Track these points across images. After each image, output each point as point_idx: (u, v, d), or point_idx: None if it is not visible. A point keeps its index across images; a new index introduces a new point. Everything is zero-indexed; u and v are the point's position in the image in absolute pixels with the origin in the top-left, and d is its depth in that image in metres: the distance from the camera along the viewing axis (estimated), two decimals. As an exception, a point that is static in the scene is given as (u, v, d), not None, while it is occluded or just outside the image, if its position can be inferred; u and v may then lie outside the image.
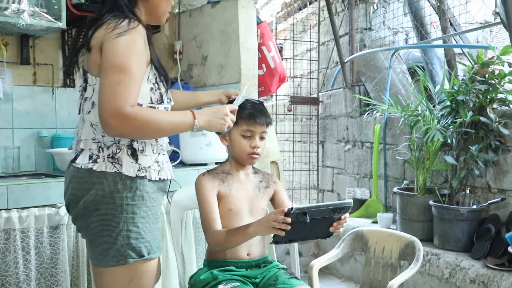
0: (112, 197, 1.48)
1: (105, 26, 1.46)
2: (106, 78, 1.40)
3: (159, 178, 1.58)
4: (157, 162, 1.58)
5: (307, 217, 1.42)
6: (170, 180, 1.67)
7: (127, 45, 1.42)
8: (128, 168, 1.49)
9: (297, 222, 1.42)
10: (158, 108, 1.54)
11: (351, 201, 1.53)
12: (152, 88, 1.53)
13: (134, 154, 1.51)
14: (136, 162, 1.51)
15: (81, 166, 1.50)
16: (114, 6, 1.52)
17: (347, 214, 1.52)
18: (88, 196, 1.49)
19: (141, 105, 1.49)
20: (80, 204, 1.52)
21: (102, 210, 1.49)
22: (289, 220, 1.40)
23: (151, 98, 1.52)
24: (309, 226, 1.44)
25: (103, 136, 1.50)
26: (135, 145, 1.51)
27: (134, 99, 1.41)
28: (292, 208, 1.40)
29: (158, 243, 1.58)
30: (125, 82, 1.39)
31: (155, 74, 1.56)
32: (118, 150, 1.50)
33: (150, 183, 1.54)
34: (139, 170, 1.51)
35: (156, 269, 1.61)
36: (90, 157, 1.49)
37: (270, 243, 1.55)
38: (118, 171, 1.48)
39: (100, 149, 1.50)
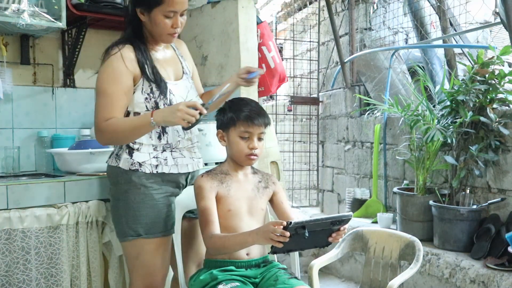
0: (115, 185, 1.86)
1: None
2: (95, 101, 1.78)
3: (157, 172, 1.82)
4: (156, 158, 1.83)
5: (306, 231, 1.43)
6: (188, 173, 1.93)
7: (104, 71, 1.77)
8: (124, 163, 1.82)
9: (296, 235, 1.42)
10: None
11: (351, 213, 1.55)
12: (146, 98, 1.80)
13: (130, 152, 1.82)
14: (131, 158, 1.81)
15: (107, 162, 1.91)
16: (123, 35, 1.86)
17: (346, 225, 1.53)
18: (108, 184, 1.93)
19: (138, 113, 1.80)
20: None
21: (111, 195, 1.89)
22: (288, 234, 1.40)
23: (146, 106, 1.80)
24: (308, 237, 1.45)
25: None
26: (131, 144, 1.81)
27: (110, 115, 1.73)
28: (291, 222, 1.40)
29: (158, 225, 1.83)
30: (102, 103, 1.75)
31: (150, 85, 1.80)
32: (121, 150, 1.84)
33: (146, 175, 1.81)
34: (132, 164, 1.80)
35: (160, 249, 1.84)
36: (110, 156, 1.91)
37: (269, 253, 1.61)
38: (117, 165, 1.83)
39: (115, 149, 1.89)
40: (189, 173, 1.95)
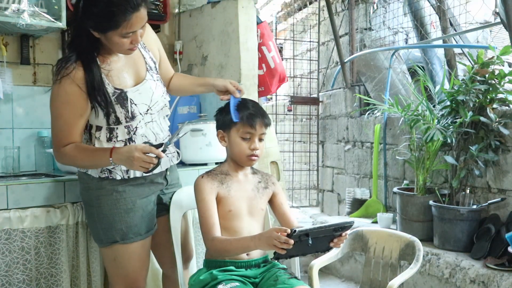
0: (87, 190, 1.81)
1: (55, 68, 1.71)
2: (51, 122, 1.72)
3: (128, 177, 1.76)
4: None
5: (309, 238, 1.45)
6: (166, 170, 1.88)
7: (57, 93, 1.66)
8: (93, 170, 1.76)
9: (299, 242, 1.44)
10: (117, 128, 1.73)
11: (353, 220, 1.60)
12: (106, 113, 1.70)
13: None
14: None
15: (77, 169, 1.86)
16: (72, 41, 1.71)
17: (347, 231, 1.56)
18: (79, 190, 1.88)
19: (100, 127, 1.74)
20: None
21: (84, 200, 1.85)
22: (292, 241, 1.41)
23: (107, 121, 1.72)
24: (311, 244, 1.47)
25: None
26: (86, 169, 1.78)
27: (67, 140, 1.68)
28: (295, 230, 1.41)
29: (134, 230, 1.79)
30: (58, 127, 1.69)
31: (108, 101, 1.69)
32: None
33: (117, 181, 1.76)
34: (101, 172, 1.75)
35: (138, 253, 1.81)
36: None
37: (271, 259, 1.64)
38: (86, 172, 1.78)
39: None
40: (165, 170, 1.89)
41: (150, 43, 1.89)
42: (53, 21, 2.29)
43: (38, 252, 2.00)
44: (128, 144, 1.74)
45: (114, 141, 1.75)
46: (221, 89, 1.87)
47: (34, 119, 2.66)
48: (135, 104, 1.75)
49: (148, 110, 1.79)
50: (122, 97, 1.72)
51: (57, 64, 1.68)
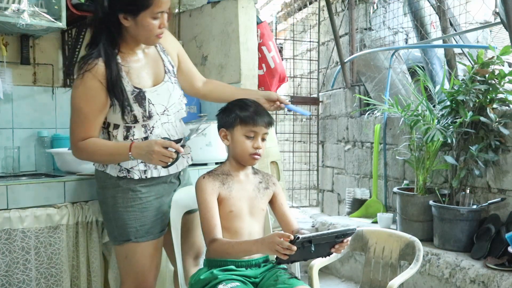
0: (103, 189, 1.84)
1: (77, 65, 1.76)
2: (70, 115, 1.75)
3: (146, 177, 1.79)
4: (144, 163, 1.78)
5: (312, 245, 1.46)
6: (179, 172, 1.91)
7: (79, 88, 1.70)
8: (112, 169, 1.79)
9: (302, 248, 1.45)
10: (134, 126, 1.76)
11: (356, 227, 1.61)
12: (124, 112, 1.73)
13: None
14: (118, 165, 1.78)
15: (94, 165, 1.88)
16: (93, 39, 1.75)
17: (349, 238, 1.57)
18: (95, 189, 1.91)
19: (117, 125, 1.76)
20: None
21: (99, 199, 1.89)
22: (294, 248, 1.42)
23: (125, 119, 1.75)
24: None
25: None
26: (104, 164, 1.80)
27: (85, 134, 1.72)
28: (298, 237, 1.42)
29: (148, 229, 1.82)
30: (77, 121, 1.73)
31: (126, 99, 1.73)
32: None
33: (134, 180, 1.78)
34: (119, 171, 1.78)
35: (150, 251, 1.83)
36: None
37: (273, 264, 1.69)
38: (104, 170, 1.81)
39: None
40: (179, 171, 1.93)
41: (169, 47, 1.94)
42: (53, 21, 2.29)
43: (38, 252, 2.00)
44: None
45: (131, 139, 1.77)
46: (273, 99, 1.97)
47: (34, 119, 2.67)
48: (153, 104, 1.78)
49: (165, 111, 1.82)
50: (140, 96, 1.75)
51: (80, 61, 1.73)
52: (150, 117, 1.77)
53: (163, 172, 1.82)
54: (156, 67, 1.85)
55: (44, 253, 2.01)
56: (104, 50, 1.71)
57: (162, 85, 1.83)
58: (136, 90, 1.75)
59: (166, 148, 1.63)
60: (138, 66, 1.79)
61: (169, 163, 1.66)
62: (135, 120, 1.76)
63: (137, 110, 1.75)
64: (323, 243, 1.52)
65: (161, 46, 1.90)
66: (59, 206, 2.05)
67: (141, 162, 1.77)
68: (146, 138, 1.78)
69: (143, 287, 1.86)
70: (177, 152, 1.65)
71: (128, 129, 1.77)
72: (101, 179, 1.84)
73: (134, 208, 1.80)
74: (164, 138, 1.75)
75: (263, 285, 1.68)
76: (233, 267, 1.68)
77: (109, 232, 1.89)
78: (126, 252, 1.83)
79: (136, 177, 1.78)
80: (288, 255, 1.44)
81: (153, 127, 1.80)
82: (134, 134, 1.78)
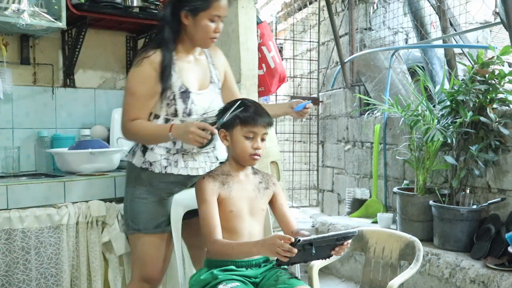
0: (127, 180, 1.97)
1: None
2: (123, 99, 1.88)
3: (165, 172, 1.89)
4: (167, 159, 1.90)
5: (313, 248, 1.47)
6: (195, 176, 1.95)
7: (136, 72, 1.85)
8: (137, 160, 1.92)
9: (302, 250, 1.46)
10: (173, 120, 1.87)
11: (356, 230, 1.61)
12: (168, 104, 1.86)
13: (144, 150, 1.91)
14: (143, 156, 1.90)
15: (126, 157, 2.03)
16: (155, 39, 1.93)
17: (350, 240, 1.58)
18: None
19: (158, 116, 1.88)
20: None
21: (125, 189, 1.98)
22: (295, 251, 1.42)
23: (166, 111, 1.87)
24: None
25: None
26: (146, 144, 1.91)
27: (135, 115, 1.84)
28: (299, 240, 1.42)
29: (157, 222, 1.90)
30: (129, 103, 1.85)
31: (173, 92, 1.86)
32: (137, 147, 1.94)
33: (154, 174, 1.89)
34: (143, 162, 1.90)
35: (157, 244, 1.91)
36: (129, 151, 2.00)
37: (274, 266, 1.71)
38: (131, 161, 1.93)
39: (133, 145, 1.98)
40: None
41: (218, 63, 2.07)
42: (53, 21, 2.30)
43: (38, 252, 2.00)
44: (177, 141, 1.90)
45: None
46: (292, 114, 2.12)
47: (34, 119, 2.67)
48: (195, 104, 1.89)
49: (204, 114, 1.91)
50: (185, 94, 1.87)
51: (139, 51, 1.92)
52: (189, 114, 1.87)
53: (182, 171, 1.92)
54: (203, 75, 1.98)
55: (44, 253, 2.01)
56: (164, 43, 1.86)
57: (207, 91, 1.95)
58: (183, 87, 1.87)
59: (203, 130, 1.71)
60: (188, 67, 1.92)
61: (204, 144, 1.76)
62: (175, 114, 1.86)
63: (180, 105, 1.86)
64: (323, 246, 1.53)
65: (212, 59, 2.03)
66: (59, 206, 2.05)
67: (164, 158, 1.89)
68: None
69: (149, 277, 1.92)
70: (212, 134, 1.73)
71: (166, 121, 1.87)
72: (128, 170, 1.97)
73: (148, 201, 1.90)
74: (202, 121, 1.83)
75: (263, 285, 1.68)
76: (233, 267, 1.68)
77: (125, 221, 2.00)
78: (135, 242, 1.93)
79: (157, 171, 1.88)
80: (289, 257, 1.44)
81: None
82: None
